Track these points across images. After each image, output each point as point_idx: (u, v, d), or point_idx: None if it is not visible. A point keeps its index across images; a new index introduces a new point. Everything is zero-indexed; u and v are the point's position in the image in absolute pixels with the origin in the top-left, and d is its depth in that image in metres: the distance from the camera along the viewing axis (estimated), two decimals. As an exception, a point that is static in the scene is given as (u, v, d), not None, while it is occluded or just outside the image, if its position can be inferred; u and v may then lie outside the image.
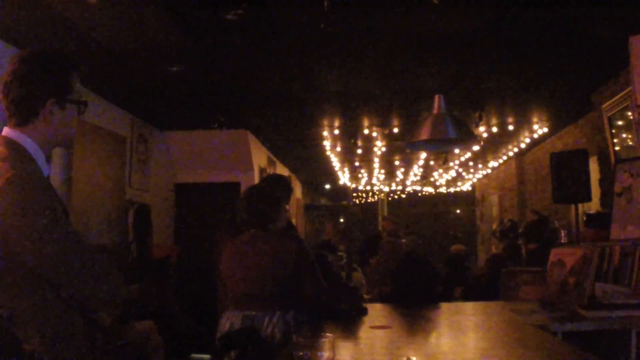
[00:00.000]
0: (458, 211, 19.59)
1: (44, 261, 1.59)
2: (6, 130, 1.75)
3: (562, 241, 6.02)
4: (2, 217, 1.57)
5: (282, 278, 2.92)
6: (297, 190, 13.31)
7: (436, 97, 4.21)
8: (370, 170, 11.59)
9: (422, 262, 3.94)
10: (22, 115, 1.73)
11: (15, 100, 1.72)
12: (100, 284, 1.67)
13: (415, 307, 3.54)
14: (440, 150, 7.62)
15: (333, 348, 1.48)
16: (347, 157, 9.85)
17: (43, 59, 1.77)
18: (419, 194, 16.72)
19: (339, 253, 10.41)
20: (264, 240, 3.04)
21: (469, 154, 9.67)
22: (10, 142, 1.71)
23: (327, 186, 15.77)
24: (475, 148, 8.57)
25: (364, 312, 3.16)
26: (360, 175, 12.34)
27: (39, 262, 1.59)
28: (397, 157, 10.26)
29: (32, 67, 1.74)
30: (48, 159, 1.82)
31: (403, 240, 8.01)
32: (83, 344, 1.67)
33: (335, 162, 10.07)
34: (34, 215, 1.59)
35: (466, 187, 14.90)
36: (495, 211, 12.38)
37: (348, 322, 2.90)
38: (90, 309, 1.72)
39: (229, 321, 2.95)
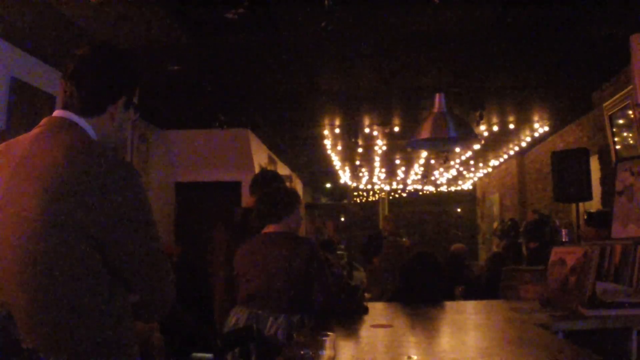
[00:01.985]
0: (459, 210, 19.58)
1: (140, 259, 1.49)
2: (66, 113, 1.57)
3: (563, 240, 6.01)
4: (109, 204, 1.41)
5: (292, 280, 2.91)
6: (298, 189, 13.31)
7: (437, 96, 4.22)
8: (371, 169, 11.59)
9: (433, 260, 3.96)
10: (90, 107, 1.58)
11: (88, 89, 1.58)
12: (168, 288, 1.61)
13: (416, 306, 3.54)
14: (441, 149, 7.62)
15: (334, 346, 1.48)
16: (348, 156, 9.84)
17: (122, 53, 1.68)
18: (420, 193, 16.72)
19: (338, 252, 10.42)
20: (278, 241, 3.03)
21: (469, 153, 9.67)
22: (77, 127, 1.55)
23: (328, 185, 15.77)
24: (476, 147, 8.56)
25: (365, 310, 3.16)
26: (360, 174, 12.33)
27: (133, 258, 1.48)
28: (397, 156, 10.26)
29: (113, 59, 1.64)
30: None
31: (404, 239, 8.03)
32: (88, 343, 1.62)
33: (336, 161, 10.07)
34: (147, 211, 1.50)
35: (467, 186, 14.89)
36: (496, 210, 12.38)
37: (349, 321, 2.90)
38: (150, 310, 1.62)
39: (235, 318, 2.95)
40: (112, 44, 1.70)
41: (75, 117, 1.55)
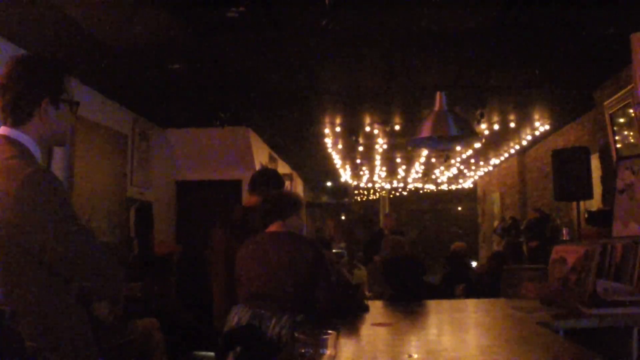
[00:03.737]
0: (459, 209, 19.58)
1: (63, 255, 1.67)
2: (4, 130, 1.80)
3: (564, 238, 6.03)
4: (23, 212, 1.63)
5: (296, 281, 2.90)
6: (299, 188, 13.31)
7: (438, 94, 4.20)
8: (372, 167, 11.59)
9: (403, 258, 3.99)
10: (19, 115, 1.79)
11: (12, 100, 1.78)
12: (109, 277, 1.78)
13: (417, 304, 3.54)
14: (442, 147, 7.62)
15: (335, 345, 1.48)
16: (349, 154, 9.84)
17: (37, 61, 1.86)
18: (421, 192, 16.71)
19: (335, 250, 10.43)
20: (283, 241, 3.01)
21: (470, 151, 9.67)
22: (12, 141, 1.77)
23: (329, 184, 15.77)
24: (477, 145, 8.56)
25: (366, 309, 3.16)
26: (361, 173, 12.33)
27: (57, 256, 1.66)
28: (398, 155, 10.26)
29: (28, 69, 1.82)
30: (44, 157, 1.90)
31: (408, 239, 8.03)
32: (86, 341, 1.68)
33: (337, 160, 10.07)
34: (57, 212, 1.67)
35: (468, 184, 14.89)
36: (496, 209, 12.38)
37: (350, 319, 2.91)
38: (99, 292, 1.84)
39: (237, 317, 2.94)
40: (32, 55, 1.93)
41: (11, 132, 1.78)
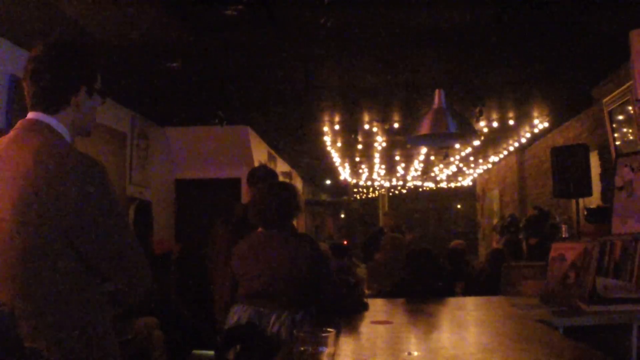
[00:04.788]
0: (459, 206, 19.59)
1: (114, 255, 1.61)
2: (36, 115, 1.67)
3: (563, 236, 6.02)
4: (95, 211, 1.54)
5: (295, 279, 2.90)
6: (298, 186, 13.30)
7: (437, 92, 4.21)
8: (371, 165, 11.59)
9: (428, 255, 3.98)
10: (54, 102, 1.67)
11: (48, 86, 1.65)
12: (141, 274, 1.71)
13: (416, 302, 3.55)
14: (441, 145, 7.62)
15: (335, 343, 1.48)
16: (348, 152, 9.84)
17: (74, 46, 1.73)
18: (420, 189, 16.70)
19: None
20: (280, 240, 3.01)
21: (469, 149, 9.66)
22: (51, 129, 1.64)
23: (328, 182, 15.76)
24: (476, 143, 8.56)
25: (365, 307, 3.17)
26: (360, 171, 12.33)
27: (109, 255, 1.60)
28: (397, 152, 10.25)
29: (65, 54, 1.69)
30: None
31: (408, 237, 8.01)
32: (88, 342, 1.66)
33: (336, 158, 10.06)
34: (116, 210, 1.62)
35: (467, 182, 14.88)
36: (496, 206, 12.38)
37: (349, 317, 2.91)
38: (126, 296, 1.74)
39: (237, 315, 2.94)
40: (65, 39, 1.76)
41: (45, 117, 1.65)
